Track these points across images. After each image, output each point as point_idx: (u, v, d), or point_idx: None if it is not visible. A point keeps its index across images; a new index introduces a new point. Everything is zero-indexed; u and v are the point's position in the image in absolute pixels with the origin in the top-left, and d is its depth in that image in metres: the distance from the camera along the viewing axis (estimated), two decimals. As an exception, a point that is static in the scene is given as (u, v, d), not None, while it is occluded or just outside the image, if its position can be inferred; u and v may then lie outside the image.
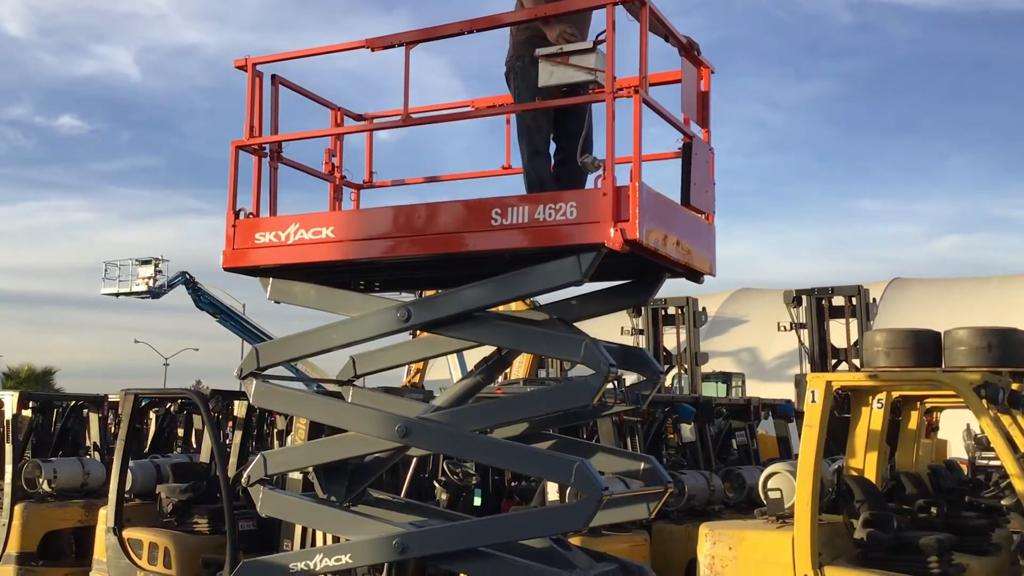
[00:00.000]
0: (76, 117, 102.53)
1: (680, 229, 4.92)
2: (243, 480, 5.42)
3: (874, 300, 17.86)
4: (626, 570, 5.02)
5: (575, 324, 5.13)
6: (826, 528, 6.70)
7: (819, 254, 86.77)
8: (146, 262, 33.87)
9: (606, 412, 5.20)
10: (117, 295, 34.68)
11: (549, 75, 4.74)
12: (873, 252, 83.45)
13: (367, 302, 5.18)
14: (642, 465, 5.08)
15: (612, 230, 4.38)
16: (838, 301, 17.23)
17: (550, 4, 5.03)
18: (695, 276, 5.33)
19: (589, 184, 4.93)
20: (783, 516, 6.86)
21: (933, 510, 7.41)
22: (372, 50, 5.15)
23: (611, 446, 8.10)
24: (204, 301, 33.46)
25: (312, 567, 5.02)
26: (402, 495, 8.40)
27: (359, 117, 6.19)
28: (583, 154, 5.03)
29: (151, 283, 33.55)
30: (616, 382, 4.99)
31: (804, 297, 17.33)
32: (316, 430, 8.47)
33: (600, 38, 4.72)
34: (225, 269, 5.58)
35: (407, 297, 5.70)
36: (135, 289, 34.06)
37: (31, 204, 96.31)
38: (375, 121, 6.23)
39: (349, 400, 5.54)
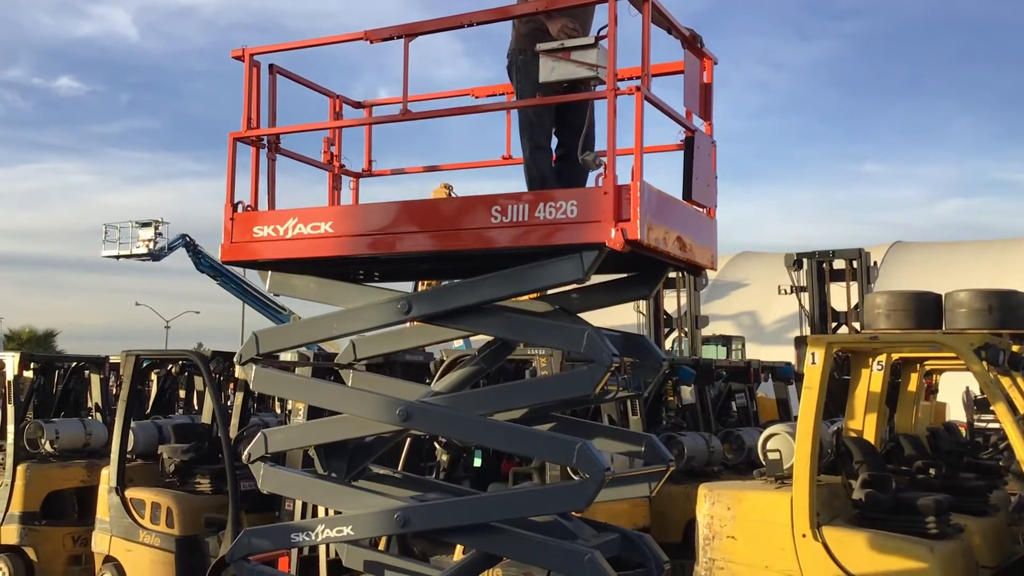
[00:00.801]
0: (74, 79, 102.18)
1: (681, 225, 4.93)
2: (243, 458, 5.46)
3: (875, 263, 17.82)
4: (627, 540, 5.05)
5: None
6: (824, 489, 6.73)
7: (820, 217, 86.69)
8: (146, 224, 33.85)
9: (608, 399, 5.17)
10: (118, 257, 34.69)
11: (550, 71, 4.70)
12: (875, 216, 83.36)
13: (366, 294, 5.17)
14: (644, 445, 5.10)
15: (613, 230, 4.36)
16: (839, 264, 17.19)
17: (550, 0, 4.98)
18: (696, 270, 5.34)
19: (590, 181, 4.91)
20: (782, 477, 6.89)
21: (931, 471, 7.45)
22: (371, 42, 5.12)
23: (613, 426, 8.14)
24: (204, 264, 33.47)
25: (313, 537, 5.05)
26: (403, 456, 8.46)
27: (358, 104, 6.16)
28: (584, 151, 5.00)
29: (151, 245, 33.55)
30: (618, 370, 4.99)
31: (805, 260, 17.28)
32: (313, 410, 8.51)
33: (602, 33, 4.67)
34: (223, 262, 5.58)
35: (407, 287, 5.69)
36: (135, 251, 34.07)
37: (30, 166, 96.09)
38: (374, 114, 6.17)
39: (350, 383, 5.55)
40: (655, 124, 4.82)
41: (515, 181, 5.43)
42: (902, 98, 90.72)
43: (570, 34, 4.80)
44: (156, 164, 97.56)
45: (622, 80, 4.78)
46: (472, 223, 4.69)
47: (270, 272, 5.35)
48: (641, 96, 4.48)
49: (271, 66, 5.49)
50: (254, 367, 5.27)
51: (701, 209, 5.15)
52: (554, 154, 5.31)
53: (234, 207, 5.33)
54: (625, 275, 5.21)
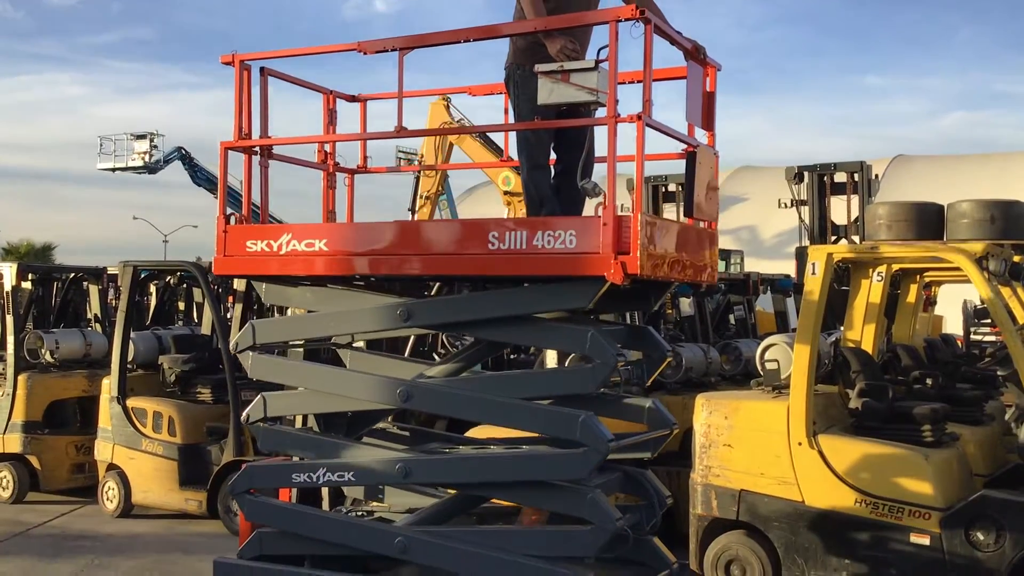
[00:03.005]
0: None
1: (682, 247, 4.89)
2: (242, 419, 5.50)
3: (876, 176, 17.67)
4: (628, 477, 5.10)
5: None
6: (821, 398, 6.78)
7: (822, 131, 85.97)
8: (141, 137, 33.44)
9: (609, 392, 5.18)
10: (113, 170, 34.37)
11: (549, 93, 4.57)
12: (877, 130, 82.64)
13: (364, 302, 5.10)
14: (648, 404, 5.11)
15: (613, 263, 4.32)
16: (840, 177, 17.02)
17: (550, 18, 4.83)
18: (697, 284, 5.27)
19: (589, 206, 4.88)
20: (779, 387, 6.93)
21: (928, 381, 7.49)
22: (364, 53, 5.05)
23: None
24: (201, 177, 33.22)
25: (314, 479, 5.08)
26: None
27: (352, 98, 6.07)
28: (583, 177, 4.96)
29: (147, 158, 33.21)
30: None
31: (805, 173, 17.14)
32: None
33: (602, 56, 4.55)
34: (217, 275, 5.54)
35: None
36: (131, 164, 33.73)
37: (23, 78, 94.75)
38: (368, 130, 6.10)
39: (348, 364, 5.55)
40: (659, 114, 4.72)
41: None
42: (905, 8, 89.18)
43: (569, 55, 4.67)
44: (150, 75, 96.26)
45: (623, 82, 4.72)
46: (469, 249, 4.65)
47: (264, 283, 5.31)
48: (642, 124, 4.40)
49: (262, 69, 5.39)
50: (251, 354, 5.27)
51: (703, 223, 5.13)
52: (553, 171, 5.22)
53: (227, 219, 5.28)
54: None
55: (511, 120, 5.38)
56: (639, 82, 4.52)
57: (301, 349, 5.87)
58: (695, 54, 4.94)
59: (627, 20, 4.37)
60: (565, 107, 4.76)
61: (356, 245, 4.98)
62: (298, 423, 6.61)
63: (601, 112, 4.61)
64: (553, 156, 5.23)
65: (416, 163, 28.48)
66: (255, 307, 9.44)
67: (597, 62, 4.51)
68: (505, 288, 4.72)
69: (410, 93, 6.19)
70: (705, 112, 5.05)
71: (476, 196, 37.97)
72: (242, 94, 5.25)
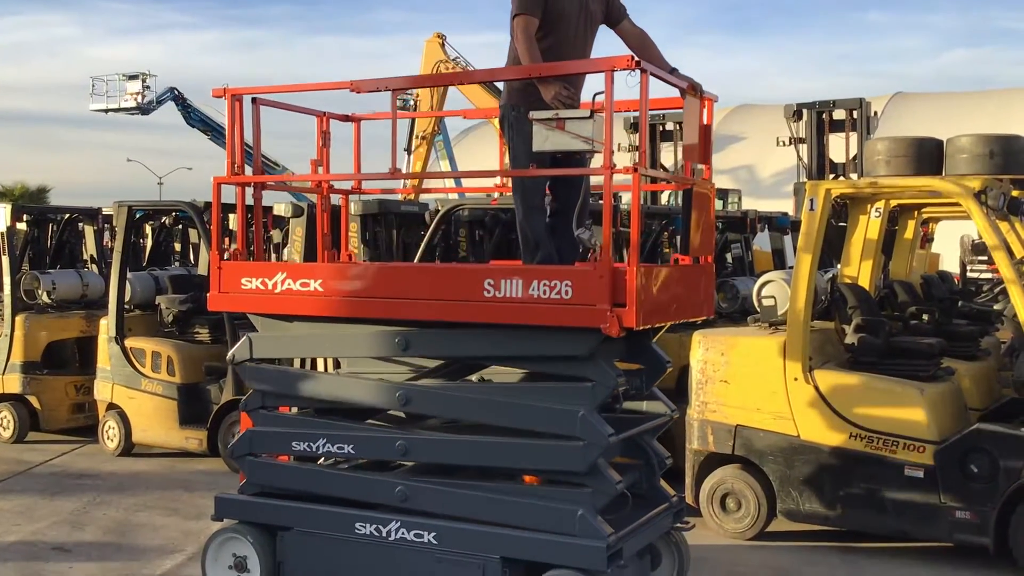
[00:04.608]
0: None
1: (678, 290, 4.92)
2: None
3: (875, 114, 17.56)
4: (628, 441, 5.15)
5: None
6: (817, 334, 6.80)
7: (821, 70, 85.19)
8: (133, 77, 33.12)
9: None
10: (106, 111, 34.10)
11: (544, 140, 4.55)
12: (877, 67, 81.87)
13: (359, 332, 5.12)
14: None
15: (609, 317, 4.34)
16: (839, 115, 16.92)
17: (545, 64, 4.77)
18: (693, 320, 5.40)
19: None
20: (776, 323, 6.95)
21: (924, 317, 7.52)
22: (357, 92, 5.08)
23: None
24: (195, 118, 32.98)
25: (314, 449, 5.13)
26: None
27: (346, 118, 6.03)
28: (579, 225, 5.00)
29: (139, 99, 32.92)
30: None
31: (804, 111, 17.02)
32: (311, 246, 8.48)
33: (597, 100, 4.52)
34: (210, 311, 5.58)
35: None
36: (124, 105, 33.46)
37: (11, 19, 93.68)
38: (362, 171, 6.07)
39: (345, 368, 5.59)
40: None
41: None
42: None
43: (564, 103, 4.63)
44: (141, 15, 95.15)
45: (620, 111, 4.73)
46: (465, 295, 4.67)
47: (260, 318, 5.33)
48: (638, 177, 4.39)
49: (254, 99, 5.37)
50: (248, 366, 5.31)
51: (698, 261, 5.15)
52: (548, 210, 5.20)
53: (220, 255, 5.27)
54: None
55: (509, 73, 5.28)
56: (635, 166, 4.52)
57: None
58: (691, 91, 4.96)
59: (623, 70, 4.38)
60: (560, 155, 4.79)
61: (351, 287, 5.01)
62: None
63: (597, 158, 4.63)
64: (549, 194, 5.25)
65: (411, 104, 28.31)
66: (251, 248, 9.38)
67: (592, 111, 4.51)
68: (504, 328, 4.71)
69: (404, 115, 6.17)
70: (702, 147, 5.07)
71: (473, 137, 37.75)
72: (234, 128, 5.28)
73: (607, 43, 5.31)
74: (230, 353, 5.43)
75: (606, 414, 4.73)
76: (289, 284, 5.07)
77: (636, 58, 4.37)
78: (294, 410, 5.45)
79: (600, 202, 4.96)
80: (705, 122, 5.07)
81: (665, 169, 20.33)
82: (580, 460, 4.53)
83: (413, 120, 28.93)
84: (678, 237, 10.72)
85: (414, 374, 5.22)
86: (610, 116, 4.36)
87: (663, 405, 5.29)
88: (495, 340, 4.76)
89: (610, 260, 4.39)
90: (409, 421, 5.32)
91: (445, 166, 32.17)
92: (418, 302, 4.80)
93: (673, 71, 4.95)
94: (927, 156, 7.19)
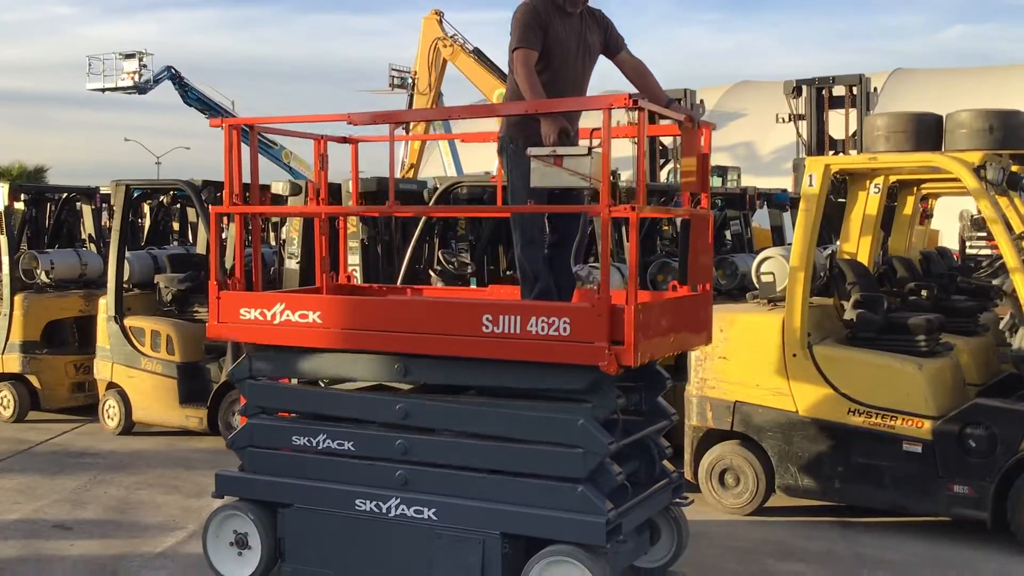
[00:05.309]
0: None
1: (677, 322, 4.91)
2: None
3: (875, 90, 17.52)
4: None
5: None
6: (816, 310, 6.80)
7: (821, 46, 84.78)
8: (130, 56, 32.98)
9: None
10: (103, 90, 33.97)
11: (541, 176, 4.54)
12: (877, 43, 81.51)
13: (358, 359, 5.12)
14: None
15: (607, 355, 4.34)
16: (839, 91, 16.87)
17: (543, 100, 4.76)
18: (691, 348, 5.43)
19: None
20: (775, 299, 6.95)
21: (923, 293, 7.52)
22: (353, 124, 5.11)
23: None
24: (192, 96, 32.89)
25: (314, 444, 5.13)
26: (398, 284, 8.50)
27: (343, 140, 6.04)
28: (577, 262, 5.03)
29: (136, 78, 32.80)
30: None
31: (804, 87, 16.97)
32: (308, 226, 8.47)
33: (595, 144, 4.51)
34: (209, 339, 5.62)
35: None
36: (120, 84, 33.35)
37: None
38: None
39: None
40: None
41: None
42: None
43: (563, 141, 4.65)
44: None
45: (617, 137, 4.71)
46: (463, 330, 4.67)
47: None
48: (636, 216, 4.38)
49: (251, 127, 5.41)
50: (247, 383, 5.32)
51: (697, 291, 5.15)
52: (546, 241, 5.22)
53: (219, 285, 5.28)
54: None
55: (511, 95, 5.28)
56: (632, 204, 4.49)
57: None
58: (689, 122, 4.98)
59: (620, 108, 4.37)
60: (559, 192, 4.80)
61: (350, 321, 5.01)
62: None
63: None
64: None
65: (409, 80, 28.17)
66: (248, 226, 9.36)
67: (590, 148, 4.51)
68: (502, 362, 4.72)
69: (401, 137, 6.16)
70: (701, 176, 5.08)
71: (471, 114, 37.55)
72: (232, 159, 5.30)
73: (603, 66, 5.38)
74: (228, 372, 5.50)
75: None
76: (288, 315, 5.10)
77: (634, 96, 4.37)
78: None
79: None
80: (703, 151, 5.11)
81: (663, 147, 20.34)
82: (579, 467, 4.55)
83: (410, 100, 28.86)
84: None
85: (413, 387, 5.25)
86: (607, 153, 4.36)
87: (663, 410, 5.31)
88: (491, 371, 4.77)
89: (608, 298, 4.41)
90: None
91: (444, 145, 32.03)
92: (416, 336, 4.82)
93: (670, 103, 5.03)
94: (926, 131, 7.16)
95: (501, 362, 4.70)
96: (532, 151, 4.61)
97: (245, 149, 5.45)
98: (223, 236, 10.15)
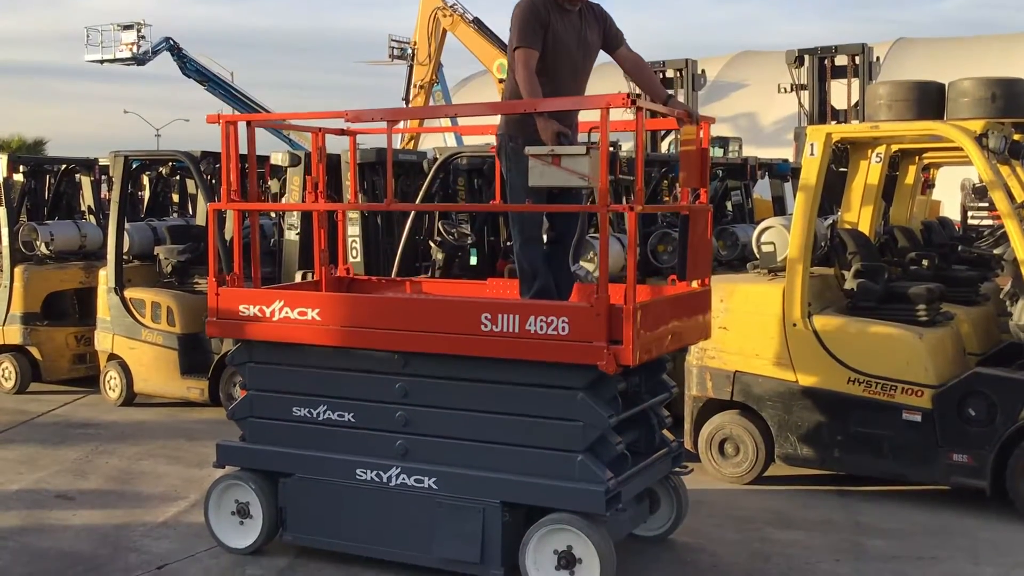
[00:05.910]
0: None
1: (675, 318, 4.91)
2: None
3: (877, 59, 17.43)
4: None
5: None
6: (817, 280, 6.79)
7: (824, 16, 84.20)
8: (128, 27, 32.85)
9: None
10: (101, 62, 33.85)
11: (539, 175, 4.54)
12: (880, 12, 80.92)
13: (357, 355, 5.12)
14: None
15: (605, 355, 4.35)
16: (841, 61, 16.82)
17: (541, 100, 4.73)
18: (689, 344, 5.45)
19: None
20: (775, 269, 6.93)
21: (924, 263, 7.50)
22: (351, 122, 5.13)
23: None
24: (190, 68, 32.78)
25: (314, 416, 5.15)
26: (398, 256, 8.49)
27: (341, 132, 6.05)
28: (575, 261, 5.06)
29: (135, 49, 32.68)
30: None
31: (806, 57, 16.90)
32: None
33: (593, 141, 4.52)
34: (209, 336, 5.61)
35: None
36: (119, 56, 33.22)
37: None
38: (360, 198, 6.27)
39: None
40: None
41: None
42: None
43: (561, 142, 4.63)
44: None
45: (616, 130, 4.71)
46: (462, 329, 4.69)
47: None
48: (635, 216, 4.39)
49: (248, 123, 5.42)
50: (248, 366, 5.33)
51: (695, 285, 5.15)
52: (545, 238, 5.23)
53: (218, 281, 5.28)
54: None
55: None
56: (631, 205, 4.48)
57: None
58: (687, 118, 4.99)
59: (618, 107, 4.38)
60: (557, 191, 4.79)
61: (349, 318, 5.03)
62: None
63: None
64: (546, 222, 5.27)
65: (409, 51, 28.03)
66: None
67: (588, 147, 4.49)
68: (501, 360, 4.72)
69: (399, 130, 6.16)
70: (700, 172, 5.07)
71: (471, 86, 37.46)
72: (229, 155, 5.28)
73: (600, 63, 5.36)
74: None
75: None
76: (287, 312, 5.12)
77: (631, 96, 4.35)
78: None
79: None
80: (702, 146, 5.10)
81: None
82: (580, 440, 4.57)
83: (410, 70, 28.69)
84: (678, 186, 10.75)
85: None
86: (605, 152, 4.37)
87: (663, 383, 5.33)
88: (491, 368, 4.76)
89: (607, 298, 4.41)
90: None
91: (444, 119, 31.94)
92: (415, 334, 4.83)
93: (668, 99, 5.08)
94: (929, 100, 7.12)
95: (499, 361, 4.71)
96: (530, 150, 4.61)
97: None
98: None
